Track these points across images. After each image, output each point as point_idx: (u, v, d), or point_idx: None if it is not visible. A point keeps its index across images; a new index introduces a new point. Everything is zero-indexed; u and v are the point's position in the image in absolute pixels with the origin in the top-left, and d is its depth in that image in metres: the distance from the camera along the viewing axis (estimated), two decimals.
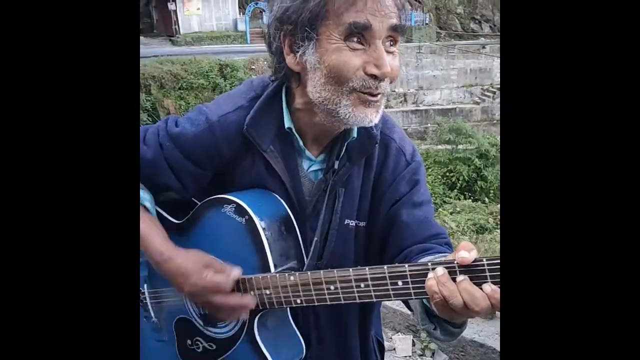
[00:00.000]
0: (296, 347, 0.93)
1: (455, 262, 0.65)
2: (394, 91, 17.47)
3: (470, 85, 18.83)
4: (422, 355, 2.64)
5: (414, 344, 2.71)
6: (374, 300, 0.75)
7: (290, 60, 0.84)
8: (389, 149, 0.94)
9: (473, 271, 0.65)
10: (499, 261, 0.63)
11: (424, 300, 0.76)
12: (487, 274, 0.64)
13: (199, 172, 0.92)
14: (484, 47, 19.68)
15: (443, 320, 0.75)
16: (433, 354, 2.62)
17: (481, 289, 0.64)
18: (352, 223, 0.93)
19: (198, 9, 22.92)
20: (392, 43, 0.81)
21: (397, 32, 0.80)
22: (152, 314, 0.98)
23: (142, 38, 23.45)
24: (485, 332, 2.52)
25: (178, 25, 22.36)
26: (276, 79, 0.90)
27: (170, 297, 0.97)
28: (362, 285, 0.75)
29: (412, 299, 0.71)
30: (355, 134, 0.90)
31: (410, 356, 2.65)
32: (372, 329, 1.06)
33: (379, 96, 0.82)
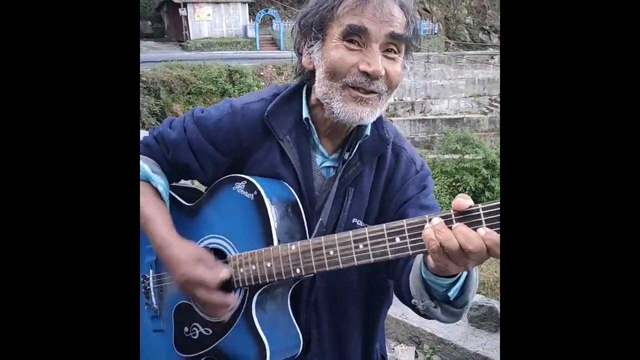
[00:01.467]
0: (294, 339, 0.93)
1: (452, 210, 0.67)
2: (402, 100, 17.47)
3: (478, 95, 18.79)
4: None
5: (416, 356, 2.69)
6: (372, 260, 0.75)
7: (304, 59, 0.93)
8: (400, 157, 0.99)
9: (469, 218, 0.66)
10: (494, 207, 0.64)
11: (424, 274, 0.77)
12: (482, 218, 0.65)
13: (217, 156, 0.96)
14: (492, 58, 19.65)
15: (443, 300, 0.78)
16: None
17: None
18: (360, 223, 0.95)
19: (209, 15, 23.12)
20: (392, 50, 0.86)
21: (397, 40, 0.85)
22: (154, 301, 0.99)
23: (152, 43, 23.70)
24: (489, 345, 2.50)
25: (188, 31, 22.55)
26: (298, 77, 0.99)
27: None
28: (361, 246, 0.76)
29: (409, 254, 0.72)
30: (368, 133, 0.95)
31: None
32: (376, 341, 1.06)
33: (372, 95, 0.86)
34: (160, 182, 0.97)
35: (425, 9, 24.44)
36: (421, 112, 17.87)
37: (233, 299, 0.89)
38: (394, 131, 0.99)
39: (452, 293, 0.77)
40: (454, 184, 12.16)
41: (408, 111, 17.61)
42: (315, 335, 0.98)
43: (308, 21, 0.89)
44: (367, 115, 0.87)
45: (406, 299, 0.88)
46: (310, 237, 0.92)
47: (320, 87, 0.88)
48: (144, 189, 0.95)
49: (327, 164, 0.98)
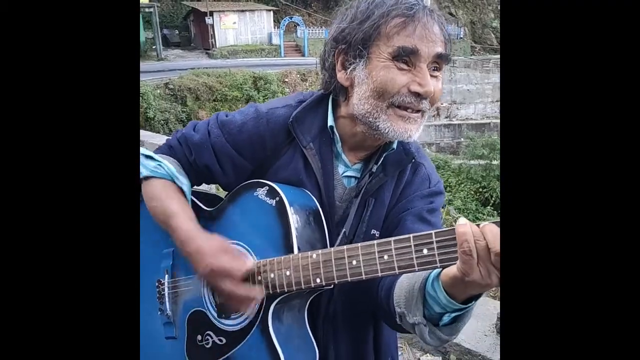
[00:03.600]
0: (309, 353, 0.91)
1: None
2: None
3: None
4: None
5: None
6: (397, 272, 0.73)
7: (341, 75, 0.91)
8: (418, 171, 1.00)
9: None
10: None
11: (430, 288, 0.75)
12: None
13: (239, 160, 0.96)
14: None
15: (432, 322, 0.76)
16: None
17: None
18: (378, 234, 0.95)
19: (234, 23, 23.48)
20: (435, 68, 0.87)
21: (441, 60, 0.86)
22: (168, 307, 0.98)
23: (180, 51, 24.18)
24: None
25: (214, 39, 22.94)
26: (325, 91, 0.97)
27: (189, 286, 0.98)
28: (386, 256, 0.73)
29: (437, 267, 0.70)
30: (394, 146, 0.95)
31: None
32: (388, 355, 1.05)
33: (419, 113, 0.87)
34: (184, 182, 0.97)
35: (450, 13, 24.23)
36: (446, 117, 17.67)
37: (259, 292, 0.86)
38: (416, 146, 0.99)
39: (446, 318, 0.75)
40: (480, 190, 11.96)
41: (433, 116, 17.43)
42: (332, 349, 0.97)
43: (347, 38, 0.87)
44: (414, 132, 0.87)
45: (383, 303, 0.86)
46: (331, 246, 0.90)
47: (362, 105, 0.87)
48: (168, 186, 0.96)
49: (348, 173, 0.97)
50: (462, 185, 12.02)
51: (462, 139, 16.35)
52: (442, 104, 17.62)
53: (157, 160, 0.96)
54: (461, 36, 23.07)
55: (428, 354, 2.72)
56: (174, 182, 0.97)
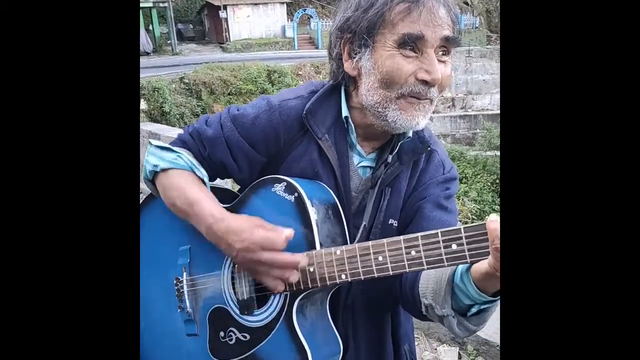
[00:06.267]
0: (334, 346, 0.91)
1: None
2: (442, 96, 17.10)
3: None
4: None
5: (460, 357, 2.63)
6: (425, 267, 0.73)
7: (347, 65, 0.90)
8: (432, 158, 0.99)
9: None
10: None
11: (459, 281, 0.75)
12: None
13: (253, 154, 0.95)
14: None
15: (460, 313, 0.76)
16: None
17: None
18: (396, 223, 0.95)
19: (248, 16, 23.46)
20: (444, 53, 0.84)
21: (449, 43, 0.83)
22: (188, 305, 0.97)
23: (194, 45, 24.28)
24: None
25: (228, 33, 22.96)
26: (334, 81, 0.96)
27: (209, 283, 0.97)
28: (413, 252, 0.73)
29: (467, 262, 0.69)
30: (410, 134, 0.94)
31: None
32: (404, 342, 1.06)
33: (427, 101, 0.85)
34: (204, 173, 0.94)
35: (465, 3, 23.85)
36: (462, 108, 17.46)
37: (302, 258, 0.82)
38: (429, 133, 0.97)
39: (474, 309, 0.75)
40: (497, 181, 11.81)
41: (449, 107, 17.25)
42: (352, 340, 0.97)
43: (351, 27, 0.86)
44: (422, 121, 0.86)
45: (407, 294, 0.86)
46: (350, 240, 0.90)
47: (371, 96, 0.86)
48: (188, 176, 0.92)
49: (364, 163, 0.96)
50: (479, 176, 11.88)
51: (478, 130, 16.15)
52: (457, 94, 17.41)
53: (176, 152, 0.93)
54: (477, 25, 22.70)
55: (445, 345, 2.71)
56: (194, 173, 0.93)
